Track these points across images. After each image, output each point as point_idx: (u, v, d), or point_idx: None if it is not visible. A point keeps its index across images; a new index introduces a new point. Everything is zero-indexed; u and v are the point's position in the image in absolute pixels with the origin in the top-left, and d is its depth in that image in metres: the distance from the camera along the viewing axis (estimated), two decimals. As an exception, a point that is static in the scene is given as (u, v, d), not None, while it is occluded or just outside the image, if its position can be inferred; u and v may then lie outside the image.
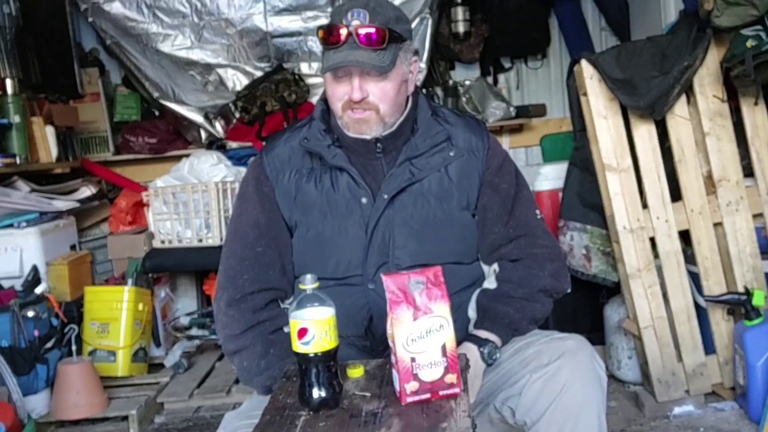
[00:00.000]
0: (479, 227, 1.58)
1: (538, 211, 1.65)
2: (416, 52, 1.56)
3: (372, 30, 1.41)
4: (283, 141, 1.60)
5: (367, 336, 1.54)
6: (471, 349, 1.46)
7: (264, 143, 3.70)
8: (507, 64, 4.35)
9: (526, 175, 1.70)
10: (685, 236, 2.73)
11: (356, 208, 1.53)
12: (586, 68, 2.68)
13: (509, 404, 1.44)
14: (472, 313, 1.56)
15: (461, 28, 4.04)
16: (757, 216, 2.72)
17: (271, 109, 3.76)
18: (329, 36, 1.43)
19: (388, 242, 1.52)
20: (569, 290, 1.64)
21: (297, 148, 1.58)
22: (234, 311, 1.53)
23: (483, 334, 1.50)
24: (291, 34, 3.91)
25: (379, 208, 1.52)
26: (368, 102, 1.47)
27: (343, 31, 1.41)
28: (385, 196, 1.52)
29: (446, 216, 1.54)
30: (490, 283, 1.58)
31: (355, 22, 1.42)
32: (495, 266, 1.59)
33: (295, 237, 1.57)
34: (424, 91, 4.01)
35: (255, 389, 1.54)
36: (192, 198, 3.30)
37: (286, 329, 1.49)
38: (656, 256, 2.70)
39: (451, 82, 4.16)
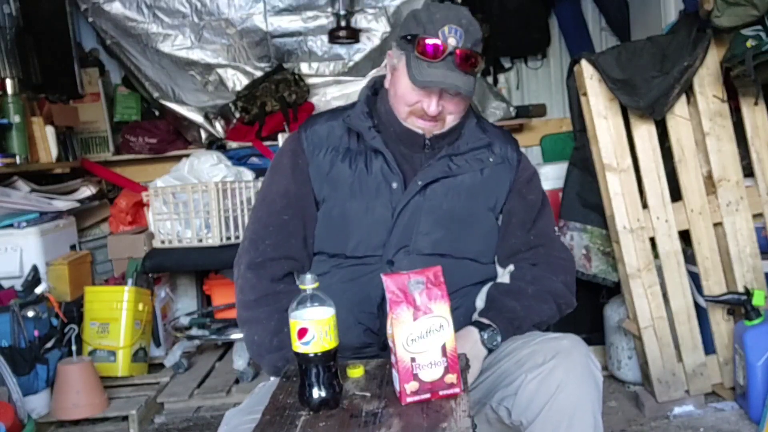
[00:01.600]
0: (501, 230, 1.62)
1: (557, 228, 1.71)
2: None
3: (471, 55, 1.46)
4: (324, 119, 1.64)
5: (378, 314, 1.54)
6: (472, 332, 1.48)
7: (264, 143, 3.72)
8: (507, 64, 4.35)
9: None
10: (685, 236, 2.73)
11: (385, 191, 1.56)
12: (586, 68, 2.68)
13: (505, 404, 1.44)
14: (480, 302, 1.58)
15: (461, 28, 4.04)
16: (757, 216, 2.72)
17: (271, 109, 3.76)
18: (428, 48, 1.45)
19: (412, 227, 1.55)
20: (575, 306, 1.66)
21: (337, 126, 1.61)
22: (252, 275, 1.56)
23: (485, 321, 1.51)
24: (291, 34, 3.92)
25: (410, 192, 1.55)
26: (441, 115, 1.53)
27: (443, 47, 1.44)
28: (420, 183, 1.55)
29: (472, 213, 1.59)
30: (503, 279, 1.62)
31: (452, 41, 1.45)
32: (511, 267, 1.62)
33: (320, 212, 1.59)
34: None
35: (264, 367, 1.56)
36: (192, 198, 3.30)
37: None
38: (656, 256, 2.70)
39: (451, 82, 4.15)
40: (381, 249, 1.54)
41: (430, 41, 1.45)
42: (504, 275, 1.62)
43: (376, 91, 1.65)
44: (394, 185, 1.56)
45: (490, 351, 1.49)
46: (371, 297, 1.54)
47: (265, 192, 1.65)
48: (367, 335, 1.55)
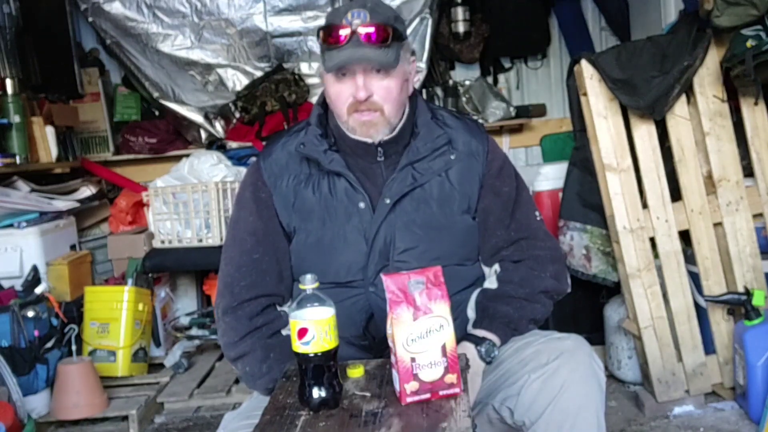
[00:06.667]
0: (480, 230, 1.59)
1: (537, 213, 1.65)
2: (413, 53, 1.56)
3: (375, 28, 1.41)
4: (281, 146, 1.60)
5: (366, 337, 1.54)
6: (468, 348, 1.46)
7: (263, 145, 3.72)
8: (507, 64, 4.35)
9: (525, 175, 1.70)
10: (685, 236, 2.73)
11: (354, 214, 1.52)
12: (586, 68, 2.68)
13: (508, 404, 1.44)
14: (471, 313, 1.56)
15: (461, 28, 4.04)
16: (757, 216, 2.72)
17: (271, 109, 3.76)
18: (331, 36, 1.43)
19: (389, 245, 1.52)
20: (569, 291, 1.64)
21: (294, 153, 1.57)
22: (230, 318, 1.54)
23: (481, 333, 1.50)
24: (291, 34, 3.91)
25: (381, 213, 1.51)
26: (373, 102, 1.46)
27: (346, 30, 1.41)
28: (387, 201, 1.52)
29: (447, 220, 1.55)
30: (491, 283, 1.58)
31: (356, 21, 1.42)
32: (496, 266, 1.59)
33: (294, 243, 1.57)
34: (423, 91, 4.01)
35: (257, 390, 1.55)
36: (192, 198, 3.30)
37: (284, 332, 1.49)
38: (656, 256, 2.70)
39: (451, 82, 4.16)
40: (361, 272, 1.52)
41: (332, 28, 1.42)
42: (491, 276, 1.60)
43: (327, 107, 1.59)
44: (362, 205, 1.52)
45: (488, 363, 1.48)
46: (356, 321, 1.52)
47: (233, 230, 1.61)
48: (361, 353, 1.54)
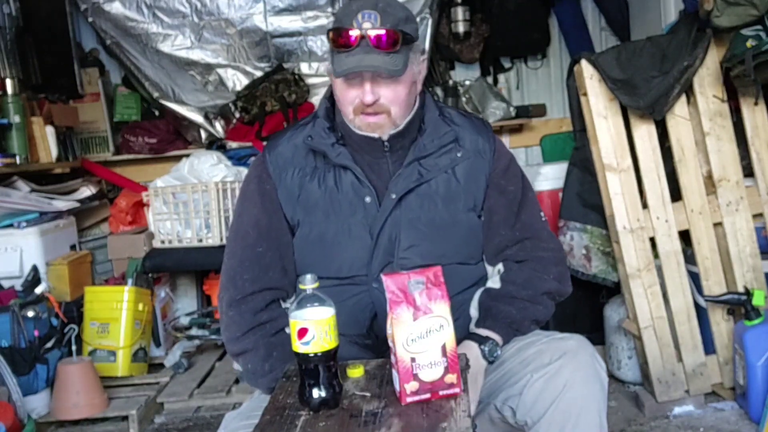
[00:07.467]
0: (485, 229, 1.59)
1: (542, 213, 1.65)
2: (423, 51, 1.56)
3: (384, 33, 1.39)
4: (287, 139, 1.60)
5: (369, 335, 1.54)
6: (471, 347, 1.46)
7: (264, 144, 3.72)
8: (507, 64, 4.35)
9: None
10: (685, 236, 2.73)
11: (360, 208, 1.52)
12: (586, 68, 2.68)
13: (510, 404, 1.44)
14: (474, 312, 1.56)
15: (461, 28, 4.04)
16: (757, 216, 2.72)
17: (271, 109, 3.76)
18: (340, 39, 1.41)
19: (394, 242, 1.52)
20: (571, 291, 1.64)
21: (300, 146, 1.57)
22: (234, 312, 1.53)
23: (483, 332, 1.50)
24: (291, 34, 3.91)
25: (386, 208, 1.51)
26: (380, 105, 1.46)
27: (355, 34, 1.40)
28: (393, 196, 1.51)
29: (452, 218, 1.55)
30: (494, 283, 1.58)
31: (366, 25, 1.40)
32: (500, 266, 1.59)
33: (297, 237, 1.56)
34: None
35: (259, 388, 1.55)
36: (192, 198, 3.31)
37: (287, 330, 1.49)
38: (656, 256, 2.70)
39: (451, 82, 4.16)
40: (365, 268, 1.51)
41: (342, 31, 1.41)
42: (494, 276, 1.60)
43: (334, 100, 1.59)
44: (368, 199, 1.52)
45: (491, 363, 1.48)
46: (360, 320, 1.52)
47: (237, 223, 1.60)
48: (363, 353, 1.54)
